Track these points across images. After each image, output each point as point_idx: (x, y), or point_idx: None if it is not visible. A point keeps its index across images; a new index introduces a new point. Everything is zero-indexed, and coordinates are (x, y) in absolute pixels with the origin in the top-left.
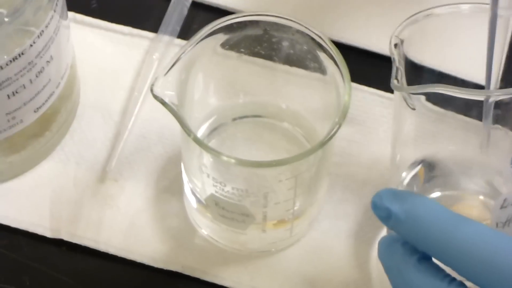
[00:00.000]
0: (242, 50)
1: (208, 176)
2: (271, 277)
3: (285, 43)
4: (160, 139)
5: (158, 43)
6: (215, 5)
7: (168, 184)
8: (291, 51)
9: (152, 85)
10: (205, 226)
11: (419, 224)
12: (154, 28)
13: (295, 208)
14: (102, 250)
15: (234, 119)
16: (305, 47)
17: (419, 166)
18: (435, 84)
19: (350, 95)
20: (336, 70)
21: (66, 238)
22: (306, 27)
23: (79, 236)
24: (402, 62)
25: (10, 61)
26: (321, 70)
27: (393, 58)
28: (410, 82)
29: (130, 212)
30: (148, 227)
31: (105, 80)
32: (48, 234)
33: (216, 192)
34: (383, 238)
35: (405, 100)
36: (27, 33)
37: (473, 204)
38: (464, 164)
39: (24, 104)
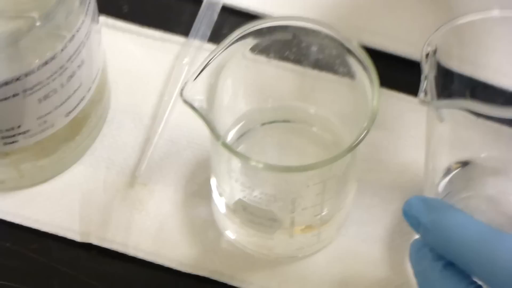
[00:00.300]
0: (271, 54)
1: (236, 181)
2: (299, 283)
3: (314, 48)
4: (190, 144)
5: (188, 48)
6: (244, 10)
7: (197, 189)
8: (320, 56)
9: (182, 89)
10: (233, 231)
11: (446, 235)
12: (185, 33)
13: (323, 213)
14: (130, 255)
15: (263, 124)
16: (334, 52)
17: (454, 172)
18: (462, 101)
19: (378, 100)
20: (364, 75)
21: (95, 242)
22: (335, 32)
23: (108, 240)
24: (433, 72)
25: (42, 65)
26: (350, 75)
27: (423, 69)
28: (442, 89)
29: (159, 216)
30: (177, 232)
31: (136, 84)
32: (78, 238)
33: (244, 197)
34: (414, 242)
35: (435, 112)
36: (59, 37)
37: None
38: (499, 166)
39: (55, 108)
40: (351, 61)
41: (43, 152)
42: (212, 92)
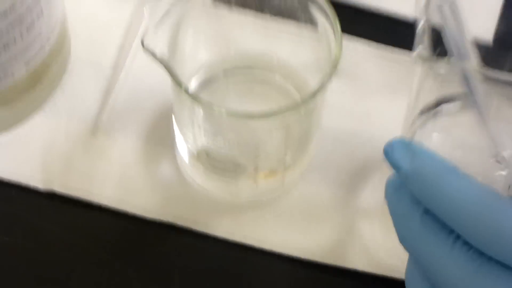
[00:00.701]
0: (232, 2)
1: (199, 127)
2: (263, 227)
3: None
4: (152, 94)
5: None
6: None
7: (159, 138)
8: (282, 4)
9: (142, 38)
10: (197, 178)
11: (425, 184)
12: None
13: (286, 158)
14: (94, 202)
15: (225, 72)
16: (296, 0)
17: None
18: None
19: (341, 47)
20: (327, 23)
21: (58, 189)
22: None
23: (71, 187)
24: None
25: (1, 14)
26: (312, 22)
27: (419, 20)
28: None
29: (122, 164)
30: (140, 179)
31: (96, 34)
32: (40, 185)
33: (207, 143)
34: (392, 180)
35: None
36: None
37: None
38: None
39: (15, 57)
40: (314, 9)
41: (4, 101)
42: (173, 40)
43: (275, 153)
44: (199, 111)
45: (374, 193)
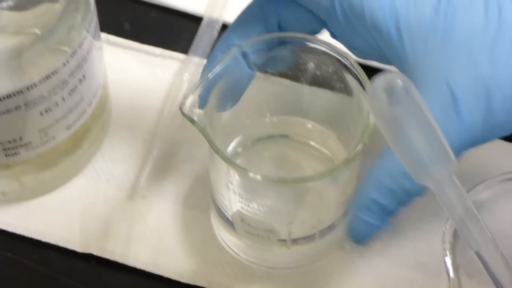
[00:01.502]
0: (269, 70)
1: (234, 192)
2: None
3: (311, 65)
4: (189, 158)
5: (189, 64)
6: None
7: (196, 202)
8: (318, 72)
9: (181, 103)
10: (232, 243)
11: None
12: (185, 50)
13: (321, 225)
14: (130, 265)
15: (261, 139)
16: (331, 69)
17: None
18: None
19: None
20: (361, 90)
21: (95, 253)
22: (332, 49)
23: (108, 250)
24: None
25: (43, 79)
26: (347, 91)
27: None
28: None
29: (158, 228)
30: (176, 243)
31: (136, 100)
32: (78, 248)
33: (241, 208)
34: None
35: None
36: (60, 52)
37: None
38: None
39: (57, 121)
40: (348, 77)
41: (45, 164)
42: (211, 106)
43: (309, 219)
44: (235, 176)
45: None
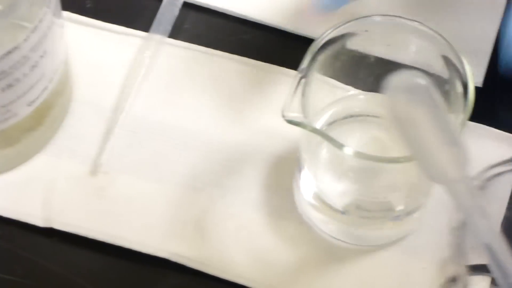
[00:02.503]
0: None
1: (353, 183)
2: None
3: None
4: (151, 135)
5: (150, 42)
6: (205, 6)
7: (157, 176)
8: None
9: (282, 112)
10: (337, 230)
11: None
12: (147, 28)
13: (429, 191)
14: (91, 237)
15: (350, 116)
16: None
17: None
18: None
19: (473, 97)
20: (457, 77)
21: (57, 227)
22: (432, 30)
23: (70, 224)
24: None
25: (4, 54)
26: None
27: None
28: None
29: (120, 203)
30: (137, 216)
31: (98, 77)
32: (40, 223)
33: (360, 195)
34: None
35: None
36: (22, 28)
37: None
38: None
39: (18, 97)
40: (449, 63)
41: (7, 141)
42: (305, 100)
43: (422, 187)
44: (359, 166)
45: None
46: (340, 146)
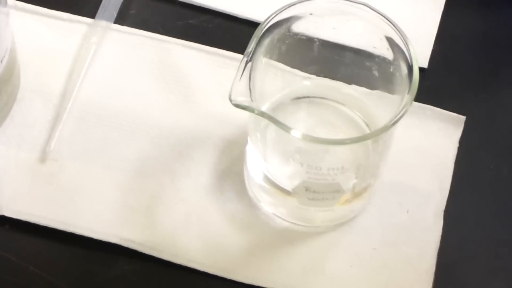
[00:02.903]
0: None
1: (301, 165)
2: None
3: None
4: (99, 121)
5: (96, 28)
6: None
7: (106, 162)
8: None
9: (230, 96)
10: (288, 213)
11: None
12: (93, 14)
13: (377, 172)
14: (42, 224)
15: (297, 98)
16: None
17: None
18: None
19: (416, 83)
20: (403, 61)
21: (7, 214)
22: (376, 12)
23: (21, 211)
24: None
25: None
26: (386, 59)
27: None
28: None
29: (70, 189)
30: (86, 201)
31: (45, 64)
32: None
33: (309, 178)
34: None
35: None
36: None
37: None
38: None
39: None
40: (393, 45)
41: None
42: (252, 84)
43: (371, 168)
44: (306, 148)
45: None
46: (287, 129)
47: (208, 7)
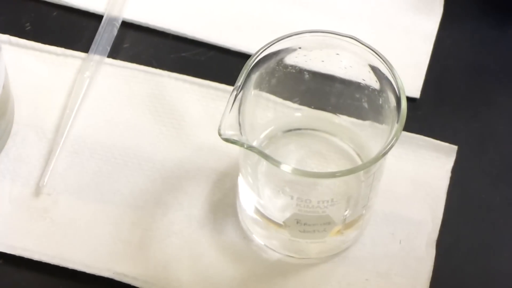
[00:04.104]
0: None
1: (292, 198)
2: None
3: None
4: (92, 155)
5: (89, 62)
6: (144, 25)
7: (98, 196)
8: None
9: (219, 130)
10: (280, 245)
11: None
12: (86, 49)
13: (368, 203)
14: (35, 259)
15: (289, 131)
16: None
17: None
18: None
19: (405, 115)
20: (391, 93)
21: (1, 249)
22: (363, 45)
23: (15, 246)
24: None
25: None
26: (376, 90)
27: None
28: None
29: (64, 223)
30: (80, 235)
31: (39, 99)
32: None
33: (299, 210)
34: None
35: None
36: None
37: None
38: None
39: None
40: (380, 76)
41: None
42: (242, 118)
43: (361, 200)
44: (296, 181)
45: None
46: (277, 163)
47: (201, 40)
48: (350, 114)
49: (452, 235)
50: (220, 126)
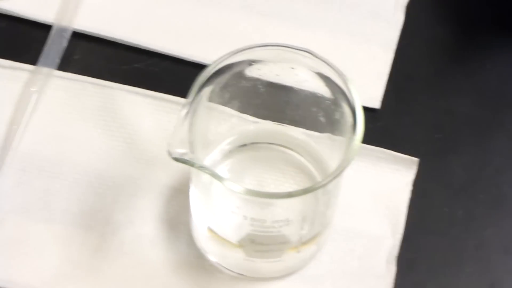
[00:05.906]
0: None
1: (245, 218)
2: None
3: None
4: (40, 172)
5: (37, 75)
6: (95, 35)
7: (46, 215)
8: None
9: (168, 150)
10: (235, 264)
11: None
12: (35, 61)
13: (325, 220)
14: None
15: (244, 145)
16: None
17: None
18: None
19: (361, 132)
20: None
21: None
22: (318, 58)
23: None
24: None
25: None
26: (334, 103)
27: None
28: None
29: (10, 244)
30: (28, 257)
31: None
32: None
33: (253, 230)
34: None
35: None
36: None
37: None
38: None
39: None
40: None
41: None
42: (193, 135)
43: (318, 218)
44: (247, 201)
45: None
46: (228, 184)
47: (154, 51)
48: (307, 127)
49: (413, 250)
50: (169, 145)
